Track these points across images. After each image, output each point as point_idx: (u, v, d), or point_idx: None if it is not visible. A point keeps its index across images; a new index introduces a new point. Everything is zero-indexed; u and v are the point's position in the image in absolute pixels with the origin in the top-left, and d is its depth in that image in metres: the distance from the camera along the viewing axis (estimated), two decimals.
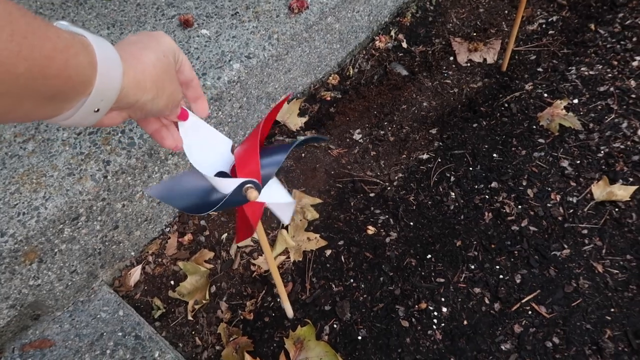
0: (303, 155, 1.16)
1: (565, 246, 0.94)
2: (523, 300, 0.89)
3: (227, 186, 0.57)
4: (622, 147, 1.07)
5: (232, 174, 0.61)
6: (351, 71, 1.33)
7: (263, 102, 1.15)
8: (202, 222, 1.07)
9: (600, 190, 1.00)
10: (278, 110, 0.61)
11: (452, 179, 1.08)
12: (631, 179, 1.01)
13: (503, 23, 1.41)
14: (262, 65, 1.08)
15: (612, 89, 1.18)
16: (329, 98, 1.27)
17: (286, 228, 1.02)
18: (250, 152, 0.58)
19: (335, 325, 0.90)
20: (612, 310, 0.86)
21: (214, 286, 0.98)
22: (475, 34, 1.38)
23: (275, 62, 1.11)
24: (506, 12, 1.44)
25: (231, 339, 0.91)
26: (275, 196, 0.62)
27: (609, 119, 1.13)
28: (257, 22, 1.12)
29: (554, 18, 1.40)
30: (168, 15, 1.15)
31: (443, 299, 0.91)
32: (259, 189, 0.59)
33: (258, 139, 0.59)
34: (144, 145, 0.92)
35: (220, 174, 0.60)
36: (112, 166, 0.89)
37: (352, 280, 0.95)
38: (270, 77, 1.12)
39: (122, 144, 0.92)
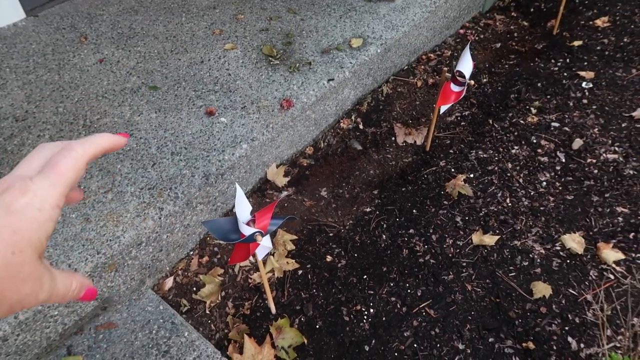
0: (285, 205, 1.69)
1: (451, 273, 1.48)
2: (420, 306, 1.42)
3: (249, 230, 1.10)
4: (495, 209, 1.63)
5: (249, 224, 1.13)
6: (322, 145, 1.87)
7: (260, 168, 1.68)
8: (215, 249, 1.58)
9: (477, 238, 1.56)
10: (272, 206, 1.15)
11: (384, 225, 1.62)
12: (497, 231, 1.57)
13: (431, 114, 1.99)
14: (261, 144, 1.61)
15: (496, 168, 1.76)
16: (305, 164, 1.81)
17: (273, 254, 1.54)
18: (265, 214, 1.11)
19: (302, 319, 1.41)
20: (473, 313, 1.40)
21: (223, 292, 1.49)
22: (411, 121, 1.95)
23: (270, 142, 1.65)
24: (434, 105, 2.02)
25: (235, 325, 1.41)
26: (267, 242, 1.15)
27: (490, 190, 1.69)
28: (259, 114, 1.66)
29: (466, 113, 1.99)
30: (197, 105, 1.68)
31: (371, 304, 1.43)
32: (263, 236, 1.11)
33: (273, 209, 1.12)
34: (184, 199, 1.44)
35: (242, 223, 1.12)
36: (164, 211, 1.40)
37: (314, 290, 1.47)
38: (266, 151, 1.66)
39: (170, 197, 1.43)
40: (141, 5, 2.12)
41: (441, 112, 1.67)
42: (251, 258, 1.55)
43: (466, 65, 1.52)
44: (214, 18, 2.05)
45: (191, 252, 1.57)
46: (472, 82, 1.65)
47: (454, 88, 1.57)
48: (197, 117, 1.65)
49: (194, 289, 1.50)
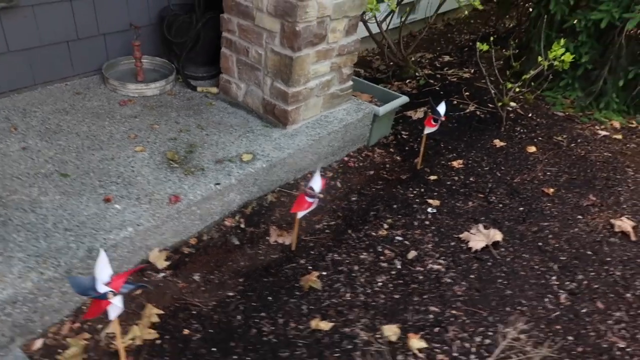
0: (160, 284, 1.96)
1: (287, 351, 1.76)
2: None
3: (104, 289, 1.37)
4: (336, 301, 1.97)
5: (108, 285, 1.41)
6: (205, 237, 2.20)
7: (143, 250, 1.98)
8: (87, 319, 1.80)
9: (315, 323, 1.86)
10: (133, 271, 1.45)
11: (242, 308, 1.91)
12: (333, 319, 1.89)
13: (304, 222, 2.39)
14: (146, 230, 1.93)
15: (345, 269, 2.13)
16: (187, 252, 2.12)
17: (137, 325, 1.77)
18: (120, 278, 1.40)
19: None
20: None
21: (86, 354, 1.69)
22: (285, 225, 2.34)
23: (154, 229, 1.97)
24: (307, 214, 2.42)
25: None
26: (118, 303, 1.42)
27: (336, 285, 2.04)
28: (149, 205, 2.00)
29: (332, 222, 2.40)
30: (98, 192, 2.01)
31: None
32: (115, 295, 1.39)
33: (128, 275, 1.41)
34: (66, 267, 1.69)
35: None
36: (44, 276, 1.64)
37: (167, 358, 1.70)
38: (150, 236, 1.96)
39: (53, 265, 1.68)
40: (73, 107, 2.52)
41: (298, 217, 2.06)
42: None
43: (316, 182, 1.96)
44: (132, 125, 2.46)
45: (65, 318, 1.78)
46: (322, 196, 2.08)
47: (308, 199, 1.99)
48: (95, 202, 1.96)
49: (60, 350, 1.69)
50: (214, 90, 2.86)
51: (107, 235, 1.83)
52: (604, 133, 3.48)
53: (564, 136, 3.40)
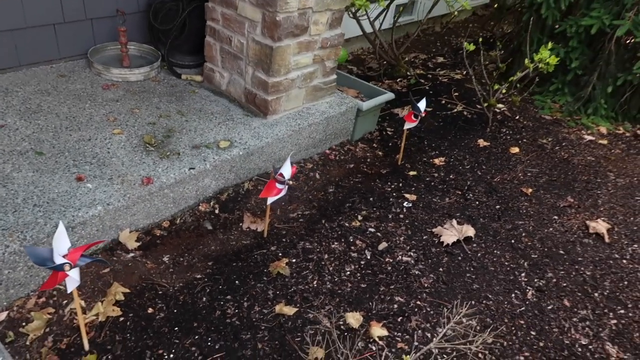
0: (129, 264, 1.98)
1: (249, 333, 1.77)
2: (214, 356, 1.68)
3: (61, 260, 1.39)
4: (302, 288, 1.98)
5: (65, 257, 1.42)
6: (178, 221, 2.22)
7: (114, 230, 1.99)
8: (54, 292, 1.81)
9: (279, 308, 1.88)
10: (90, 246, 1.47)
11: (208, 290, 1.92)
12: (298, 305, 1.90)
13: (278, 210, 2.40)
14: (116, 209, 1.94)
15: (315, 257, 2.14)
16: (158, 234, 2.14)
17: (102, 302, 1.79)
18: (78, 251, 1.42)
19: (109, 357, 1.64)
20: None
21: (48, 328, 1.70)
22: (259, 212, 2.35)
23: (125, 209, 1.98)
24: (283, 203, 2.44)
25: (47, 356, 1.62)
26: (75, 275, 1.44)
27: (304, 273, 2.06)
28: (121, 185, 2.01)
29: (307, 212, 2.42)
30: (72, 172, 2.02)
31: (173, 350, 1.68)
32: (72, 268, 1.41)
33: (85, 249, 1.42)
34: (32, 241, 1.71)
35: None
36: (9, 249, 1.66)
37: (128, 335, 1.71)
38: (120, 217, 1.98)
39: (19, 238, 1.70)
40: (55, 89, 2.54)
41: (268, 203, 2.08)
42: (82, 303, 1.79)
43: (286, 169, 1.98)
44: (113, 108, 2.48)
45: (31, 293, 1.80)
46: (292, 182, 2.09)
47: (278, 185, 2.01)
48: (67, 180, 1.98)
49: (24, 324, 1.71)
50: (198, 78, 2.88)
51: (76, 212, 1.85)
52: (589, 138, 3.49)
53: (549, 139, 3.42)
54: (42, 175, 1.98)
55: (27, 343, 1.65)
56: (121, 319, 1.77)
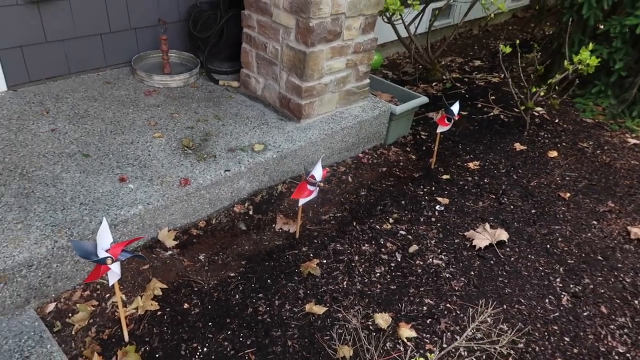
0: (167, 261, 2.07)
1: (279, 331, 1.82)
2: (245, 352, 1.74)
3: (103, 254, 1.48)
4: (332, 288, 2.02)
5: (108, 251, 1.52)
6: (214, 221, 2.30)
7: (153, 229, 2.09)
8: (98, 286, 1.92)
9: (309, 307, 1.92)
10: (131, 242, 1.56)
11: (241, 288, 1.99)
12: (327, 304, 1.94)
13: (310, 212, 2.45)
14: (155, 209, 2.04)
15: (345, 258, 2.18)
16: (195, 234, 2.22)
17: (141, 297, 1.88)
18: (119, 246, 1.51)
19: (147, 348, 1.72)
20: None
21: (92, 319, 1.81)
22: (292, 214, 2.41)
23: (164, 209, 2.08)
24: (315, 205, 2.49)
25: (90, 345, 1.72)
26: (116, 269, 1.53)
27: (334, 273, 2.09)
28: (161, 186, 2.11)
29: (339, 214, 2.45)
30: (115, 173, 2.14)
31: (207, 344, 1.75)
32: (113, 262, 1.50)
33: (126, 244, 1.51)
34: (78, 237, 1.82)
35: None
36: (58, 244, 1.78)
37: (165, 328, 1.79)
38: (159, 216, 2.08)
39: (67, 234, 1.82)
40: (101, 95, 2.68)
41: (300, 204, 2.13)
42: (123, 297, 1.89)
43: (317, 171, 2.02)
44: (154, 113, 2.60)
45: (77, 286, 1.92)
46: (322, 184, 2.13)
47: (309, 187, 2.06)
48: (111, 181, 2.10)
49: (70, 314, 1.82)
50: (235, 84, 2.98)
51: (119, 211, 1.95)
52: (634, 141, 3.38)
53: (590, 143, 3.32)
54: (88, 176, 2.10)
55: (73, 333, 1.76)
56: (159, 313, 1.86)
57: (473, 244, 2.30)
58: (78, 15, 2.65)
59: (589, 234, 2.46)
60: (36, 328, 1.73)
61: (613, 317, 2.00)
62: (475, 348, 1.76)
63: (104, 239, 1.52)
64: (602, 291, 2.12)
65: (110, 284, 1.60)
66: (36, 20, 2.54)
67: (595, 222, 2.54)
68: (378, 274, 2.11)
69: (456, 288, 2.07)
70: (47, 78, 2.72)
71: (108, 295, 1.90)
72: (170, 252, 2.11)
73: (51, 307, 1.84)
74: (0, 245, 1.73)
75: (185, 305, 1.90)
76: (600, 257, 2.31)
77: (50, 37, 2.61)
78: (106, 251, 1.51)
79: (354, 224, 2.40)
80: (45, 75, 2.70)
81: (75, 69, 2.79)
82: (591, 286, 2.15)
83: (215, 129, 2.54)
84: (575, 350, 1.85)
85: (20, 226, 1.82)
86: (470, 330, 1.78)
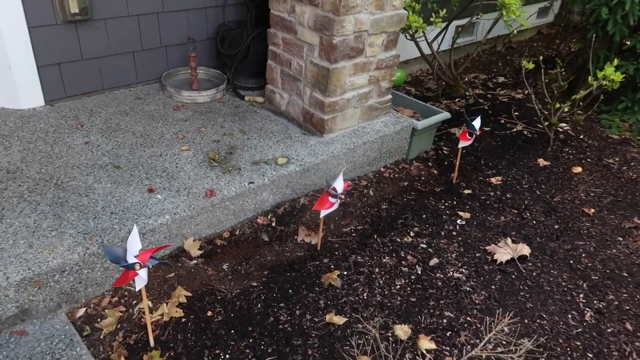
0: (192, 270, 2.13)
1: (300, 340, 1.85)
2: (266, 359, 1.77)
3: (133, 260, 1.55)
4: (352, 299, 2.04)
5: (137, 257, 1.58)
6: (238, 232, 2.36)
7: (179, 238, 2.16)
8: (126, 293, 1.99)
9: (329, 317, 1.95)
10: (158, 249, 1.62)
11: (263, 297, 2.03)
12: (347, 315, 1.96)
13: (332, 224, 2.49)
14: (182, 219, 2.11)
15: (366, 270, 2.20)
16: (219, 244, 2.28)
17: (167, 304, 1.94)
18: (148, 253, 1.57)
19: (172, 353, 1.77)
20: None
21: (119, 324, 1.87)
22: (314, 226, 2.45)
23: (190, 219, 2.15)
24: (336, 218, 2.52)
25: (117, 349, 1.78)
26: (143, 274, 1.59)
27: (355, 285, 2.12)
28: (187, 197, 2.19)
29: (360, 227, 2.48)
30: (144, 184, 2.23)
31: (229, 352, 1.79)
32: (141, 267, 1.56)
33: (153, 251, 1.58)
34: (109, 245, 1.90)
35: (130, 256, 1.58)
36: (89, 251, 1.86)
37: (189, 334, 1.84)
38: (185, 225, 2.15)
39: (97, 242, 1.90)
40: (132, 110, 2.80)
41: (321, 216, 2.17)
42: (150, 304, 1.95)
43: (339, 184, 2.07)
44: (182, 127, 2.70)
45: (106, 292, 1.99)
46: (344, 197, 2.16)
47: (331, 199, 2.10)
48: (140, 191, 2.18)
49: (99, 319, 1.89)
50: (260, 99, 3.06)
51: (147, 220, 2.03)
52: None
53: (616, 159, 3.29)
54: (118, 187, 2.19)
55: (101, 337, 1.82)
56: (183, 320, 1.91)
57: (494, 258, 2.30)
58: (113, 34, 2.79)
59: (614, 250, 2.42)
60: (67, 332, 1.80)
61: (639, 334, 1.97)
62: (494, 358, 1.76)
63: (134, 246, 1.59)
64: (627, 308, 2.09)
65: (137, 289, 1.66)
66: (74, 38, 2.68)
67: (620, 239, 2.51)
68: (398, 286, 2.13)
69: (477, 301, 2.07)
70: (82, 93, 2.85)
71: (135, 301, 1.97)
72: (195, 261, 2.17)
73: (81, 312, 1.92)
74: (36, 251, 1.82)
75: (209, 313, 1.95)
76: (625, 274, 2.28)
77: (86, 55, 2.75)
78: (135, 257, 1.58)
79: (375, 236, 2.42)
80: (80, 90, 2.83)
81: (108, 84, 2.92)
82: (616, 302, 2.11)
83: (240, 142, 2.62)
84: None
85: (54, 233, 1.91)
86: (488, 340, 1.78)
